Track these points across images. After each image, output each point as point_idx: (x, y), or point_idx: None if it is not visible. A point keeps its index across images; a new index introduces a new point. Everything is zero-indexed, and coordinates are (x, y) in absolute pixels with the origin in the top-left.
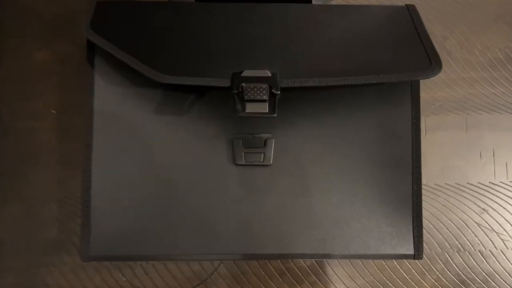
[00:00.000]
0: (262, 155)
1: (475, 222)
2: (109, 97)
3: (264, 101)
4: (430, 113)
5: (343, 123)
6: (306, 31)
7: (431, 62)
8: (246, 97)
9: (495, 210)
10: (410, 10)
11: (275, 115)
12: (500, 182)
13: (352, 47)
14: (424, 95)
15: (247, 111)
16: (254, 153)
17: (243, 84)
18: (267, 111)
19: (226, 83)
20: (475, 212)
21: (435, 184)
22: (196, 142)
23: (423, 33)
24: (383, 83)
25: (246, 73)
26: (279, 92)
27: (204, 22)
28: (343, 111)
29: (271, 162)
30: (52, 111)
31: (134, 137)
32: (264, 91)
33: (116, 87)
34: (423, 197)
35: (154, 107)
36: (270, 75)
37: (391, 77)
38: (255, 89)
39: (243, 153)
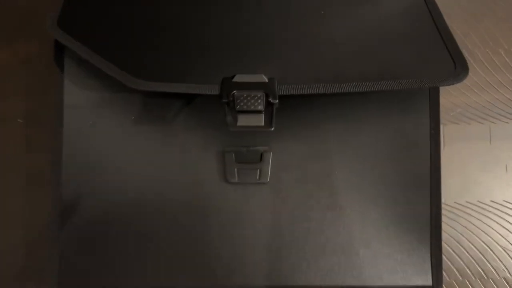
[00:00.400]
0: (258, 171)
1: (501, 246)
2: (81, 104)
3: (259, 112)
4: (449, 122)
5: (351, 134)
6: (309, 27)
7: (455, 65)
8: (238, 108)
9: None
10: (427, 1)
11: (272, 128)
12: None
13: (363, 46)
14: (442, 100)
15: (239, 124)
16: (249, 169)
17: (234, 91)
18: (262, 124)
19: (214, 90)
20: (500, 234)
21: (455, 203)
22: (182, 157)
23: (444, 30)
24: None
25: (238, 78)
26: (277, 101)
27: (191, 17)
28: (351, 121)
29: (268, 180)
30: (19, 120)
31: (111, 152)
32: (259, 100)
33: (89, 92)
34: (441, 218)
35: (134, 116)
36: (266, 80)
37: (410, 83)
38: (249, 98)
39: (236, 170)
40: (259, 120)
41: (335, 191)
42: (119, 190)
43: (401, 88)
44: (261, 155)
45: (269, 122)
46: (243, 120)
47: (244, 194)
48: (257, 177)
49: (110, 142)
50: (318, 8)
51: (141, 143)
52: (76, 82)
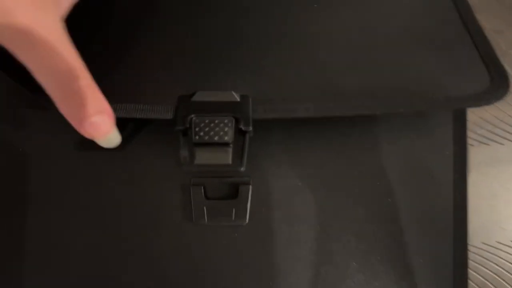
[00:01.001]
0: (234, 210)
1: None
2: (6, 122)
3: (225, 144)
4: (477, 141)
5: (351, 161)
6: (297, 24)
7: (491, 77)
8: (195, 139)
9: None
10: None
11: (242, 168)
12: None
13: (369, 51)
14: (468, 115)
15: (196, 162)
16: (222, 207)
17: (192, 115)
18: (229, 162)
19: (166, 113)
20: None
21: (483, 243)
22: (135, 191)
23: (475, 29)
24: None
25: (199, 96)
26: (250, 128)
27: (145, 9)
28: (352, 143)
29: (247, 221)
30: None
31: (48, 183)
32: (226, 129)
33: (15, 109)
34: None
35: (77, 140)
36: (237, 99)
37: (432, 104)
38: (212, 125)
39: (205, 208)
40: (225, 157)
41: (333, 236)
42: (67, 229)
43: (420, 109)
44: (238, 188)
45: (239, 159)
46: (203, 157)
47: (215, 239)
48: (233, 217)
49: (49, 169)
50: (310, 0)
51: (86, 172)
52: None
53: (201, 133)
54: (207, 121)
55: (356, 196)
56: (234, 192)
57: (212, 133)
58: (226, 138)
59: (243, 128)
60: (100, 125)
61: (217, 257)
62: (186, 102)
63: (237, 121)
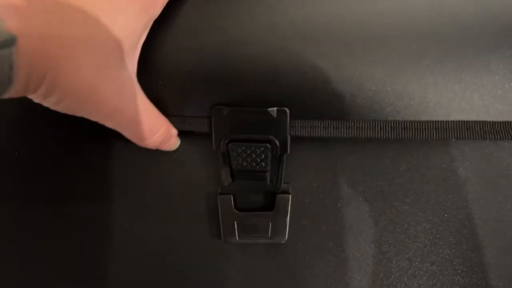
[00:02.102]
0: (270, 225)
1: None
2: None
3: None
4: None
5: (415, 165)
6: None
7: None
8: (234, 165)
9: None
10: None
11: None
12: None
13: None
14: None
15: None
16: (257, 221)
17: (228, 140)
18: (268, 183)
19: (201, 126)
20: None
21: None
22: (158, 202)
23: None
24: None
25: (234, 114)
26: (288, 152)
27: None
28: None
29: (286, 238)
30: None
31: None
32: (262, 156)
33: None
34: None
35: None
36: (274, 115)
37: None
38: (249, 152)
39: (235, 223)
40: (262, 181)
41: (389, 254)
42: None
43: None
44: (275, 198)
45: (276, 179)
46: (242, 182)
47: (248, 261)
48: (269, 234)
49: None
50: None
51: (96, 180)
52: None
53: (240, 160)
54: (244, 147)
55: (421, 205)
56: (270, 203)
57: (249, 159)
58: (263, 164)
59: (279, 153)
60: (160, 142)
61: (250, 282)
62: (221, 120)
63: (273, 146)
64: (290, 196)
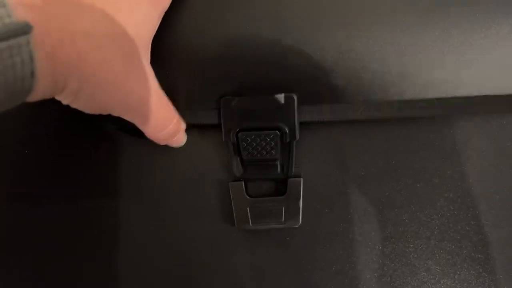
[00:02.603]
0: (283, 209)
1: None
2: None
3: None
4: None
5: (429, 149)
6: None
7: None
8: (245, 155)
9: None
10: None
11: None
12: None
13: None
14: None
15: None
16: (269, 206)
17: (238, 130)
18: (278, 172)
19: (211, 118)
20: None
21: None
22: (170, 194)
23: None
24: None
25: (242, 102)
26: (297, 138)
27: None
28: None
29: (300, 222)
30: None
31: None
32: (272, 143)
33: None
34: None
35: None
36: (282, 101)
37: None
38: (258, 141)
39: (248, 209)
40: (274, 169)
41: (406, 235)
42: None
43: None
44: (286, 182)
45: (287, 166)
46: (253, 170)
47: (262, 246)
48: (282, 218)
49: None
50: None
51: (109, 173)
52: None
53: (250, 149)
54: (253, 136)
55: (435, 182)
56: (282, 188)
57: (259, 148)
58: (273, 153)
59: (289, 140)
60: (170, 135)
61: (266, 268)
62: (230, 110)
63: (282, 133)
64: (301, 179)
